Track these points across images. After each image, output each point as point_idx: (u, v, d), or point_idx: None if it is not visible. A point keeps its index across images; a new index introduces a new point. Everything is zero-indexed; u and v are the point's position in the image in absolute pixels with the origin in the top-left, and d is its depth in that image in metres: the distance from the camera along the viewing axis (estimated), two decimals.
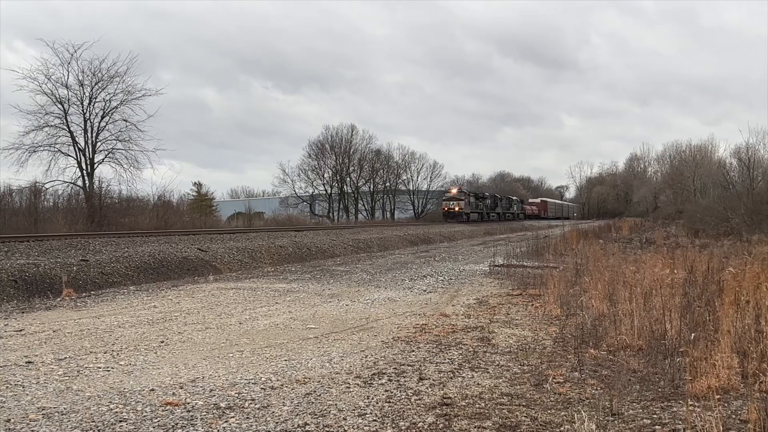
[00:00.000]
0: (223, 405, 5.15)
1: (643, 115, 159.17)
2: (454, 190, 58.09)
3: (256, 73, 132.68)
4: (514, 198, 78.06)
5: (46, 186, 32.28)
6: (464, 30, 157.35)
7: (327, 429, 4.61)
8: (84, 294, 12.40)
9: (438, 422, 4.74)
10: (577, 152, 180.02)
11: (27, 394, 5.48)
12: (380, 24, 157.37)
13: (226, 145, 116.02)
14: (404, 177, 73.12)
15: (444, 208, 55.86)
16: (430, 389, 5.64)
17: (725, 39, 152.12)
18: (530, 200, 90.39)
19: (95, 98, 33.82)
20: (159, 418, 4.82)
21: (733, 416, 4.83)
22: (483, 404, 5.20)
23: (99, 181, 33.45)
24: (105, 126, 34.04)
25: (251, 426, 4.66)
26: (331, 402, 5.25)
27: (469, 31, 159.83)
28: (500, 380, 5.97)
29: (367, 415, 4.90)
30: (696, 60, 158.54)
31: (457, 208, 55.00)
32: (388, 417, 4.87)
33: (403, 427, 4.65)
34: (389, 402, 5.26)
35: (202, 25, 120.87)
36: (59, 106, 32.89)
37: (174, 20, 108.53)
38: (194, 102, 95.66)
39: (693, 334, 6.30)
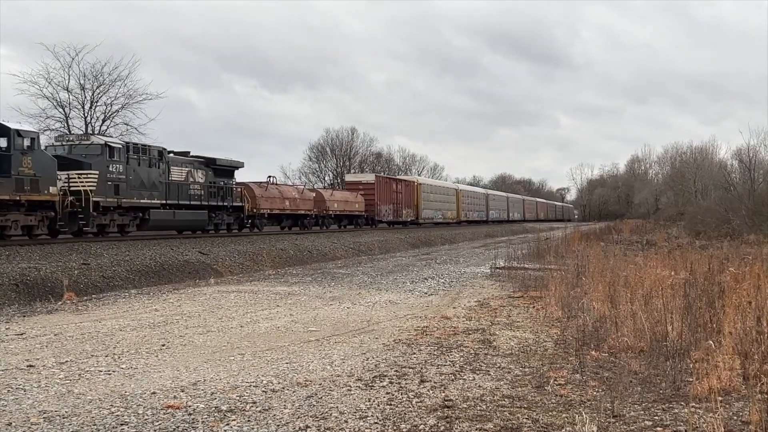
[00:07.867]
0: (224, 408, 5.15)
1: (641, 114, 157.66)
2: None
3: (238, 71, 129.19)
4: (198, 160, 24.58)
5: None
6: (449, 23, 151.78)
7: None
8: (85, 297, 12.41)
9: (439, 424, 4.74)
10: (575, 152, 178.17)
11: (28, 398, 5.48)
12: (358, 18, 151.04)
13: (217, 147, 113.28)
14: None
15: None
16: (431, 391, 5.64)
17: (722, 33, 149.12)
18: (348, 178, 42.98)
19: (96, 102, 33.90)
20: (160, 422, 4.82)
21: (735, 418, 4.83)
22: (484, 406, 5.19)
23: None
24: (106, 130, 34.08)
25: (252, 429, 4.66)
26: (332, 405, 5.25)
27: (454, 25, 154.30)
28: (501, 382, 5.97)
29: (369, 418, 4.90)
30: (692, 56, 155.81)
31: None
32: (390, 419, 4.86)
33: (404, 430, 4.65)
34: (390, 404, 5.26)
35: (174, 21, 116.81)
36: (60, 110, 32.98)
37: (145, 15, 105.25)
38: (177, 102, 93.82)
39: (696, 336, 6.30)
